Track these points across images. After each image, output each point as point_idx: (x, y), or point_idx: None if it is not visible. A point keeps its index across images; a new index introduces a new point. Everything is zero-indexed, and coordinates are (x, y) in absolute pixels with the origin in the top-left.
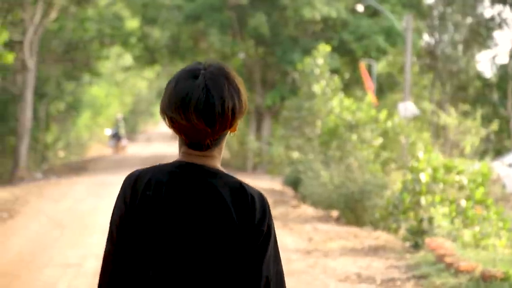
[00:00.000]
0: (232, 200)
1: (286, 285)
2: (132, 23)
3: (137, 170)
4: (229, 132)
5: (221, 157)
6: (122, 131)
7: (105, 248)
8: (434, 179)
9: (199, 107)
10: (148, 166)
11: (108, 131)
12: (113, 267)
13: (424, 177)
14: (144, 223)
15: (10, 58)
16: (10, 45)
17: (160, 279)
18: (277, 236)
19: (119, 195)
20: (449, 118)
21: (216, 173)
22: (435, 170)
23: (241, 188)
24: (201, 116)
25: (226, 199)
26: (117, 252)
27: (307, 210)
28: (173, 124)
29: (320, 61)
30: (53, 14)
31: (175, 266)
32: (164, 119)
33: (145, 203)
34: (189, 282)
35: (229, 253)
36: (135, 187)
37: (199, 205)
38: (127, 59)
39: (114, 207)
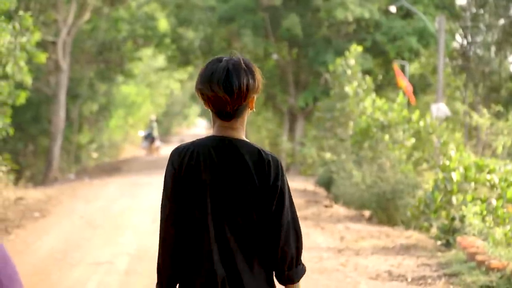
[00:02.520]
0: (253, 164)
1: (318, 282)
2: (164, 24)
3: (181, 145)
4: (248, 109)
5: (244, 130)
6: (156, 132)
7: (163, 203)
8: (465, 178)
9: (220, 81)
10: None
11: (142, 133)
12: (172, 216)
13: (455, 176)
14: (190, 185)
15: (42, 58)
16: (43, 45)
17: (203, 225)
18: (308, 234)
19: (168, 164)
20: (482, 118)
21: (240, 143)
22: (466, 169)
23: (259, 153)
24: (222, 87)
25: (249, 163)
26: (173, 205)
27: (339, 210)
28: (203, 95)
29: (352, 61)
30: (86, 15)
31: (210, 215)
32: (197, 94)
33: (190, 170)
34: (225, 228)
35: (254, 206)
36: (181, 158)
37: (228, 169)
38: (160, 60)
39: (166, 174)
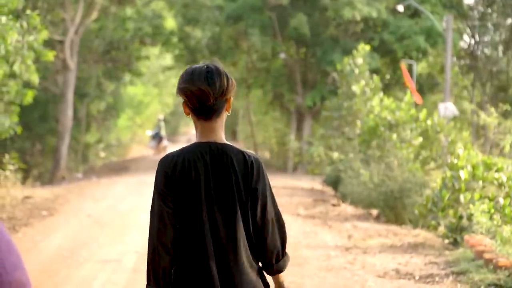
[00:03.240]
0: (239, 167)
1: (325, 280)
2: (171, 23)
3: (171, 153)
4: (225, 110)
5: (223, 130)
6: (163, 132)
7: (156, 206)
8: (473, 176)
9: (202, 76)
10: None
11: (149, 132)
12: (168, 218)
13: (463, 175)
14: (183, 189)
15: (50, 56)
16: (51, 44)
17: (194, 227)
18: (316, 233)
19: (160, 171)
20: (489, 118)
21: (226, 147)
22: (474, 167)
23: (244, 156)
24: (204, 79)
25: (235, 166)
26: (168, 208)
27: (347, 208)
28: (186, 93)
29: (360, 61)
30: (94, 14)
31: (204, 216)
32: (180, 95)
33: (182, 176)
34: (213, 227)
35: (241, 206)
36: (172, 165)
37: (219, 172)
38: (167, 59)
39: (156, 180)
